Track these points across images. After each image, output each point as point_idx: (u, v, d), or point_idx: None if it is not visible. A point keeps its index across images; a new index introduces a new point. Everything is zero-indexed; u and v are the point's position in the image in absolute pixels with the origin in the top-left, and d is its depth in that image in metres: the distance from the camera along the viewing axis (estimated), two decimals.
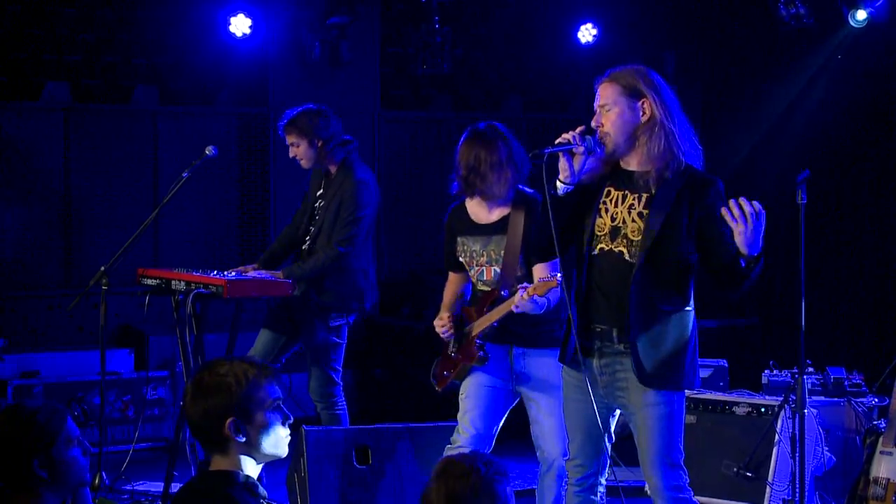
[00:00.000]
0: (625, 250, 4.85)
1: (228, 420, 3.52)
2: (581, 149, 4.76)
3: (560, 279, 5.34)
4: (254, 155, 9.95)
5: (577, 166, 4.81)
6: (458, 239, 5.88)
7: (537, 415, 5.81)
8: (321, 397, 7.04)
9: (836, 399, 7.40)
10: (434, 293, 10.03)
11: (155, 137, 9.68)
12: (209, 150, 6.89)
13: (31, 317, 9.43)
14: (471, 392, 5.84)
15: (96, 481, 6.67)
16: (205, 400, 3.53)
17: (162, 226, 9.66)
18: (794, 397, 6.58)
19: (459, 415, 5.88)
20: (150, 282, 6.79)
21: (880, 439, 6.43)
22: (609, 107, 4.81)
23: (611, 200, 4.90)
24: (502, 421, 5.92)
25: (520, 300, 5.43)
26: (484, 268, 5.82)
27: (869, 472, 6.40)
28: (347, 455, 6.56)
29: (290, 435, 3.69)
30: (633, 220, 4.86)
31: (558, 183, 4.85)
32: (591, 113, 4.83)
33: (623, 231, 4.87)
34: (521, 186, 5.76)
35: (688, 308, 4.92)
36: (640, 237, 4.82)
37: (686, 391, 4.99)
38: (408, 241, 10.48)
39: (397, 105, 10.36)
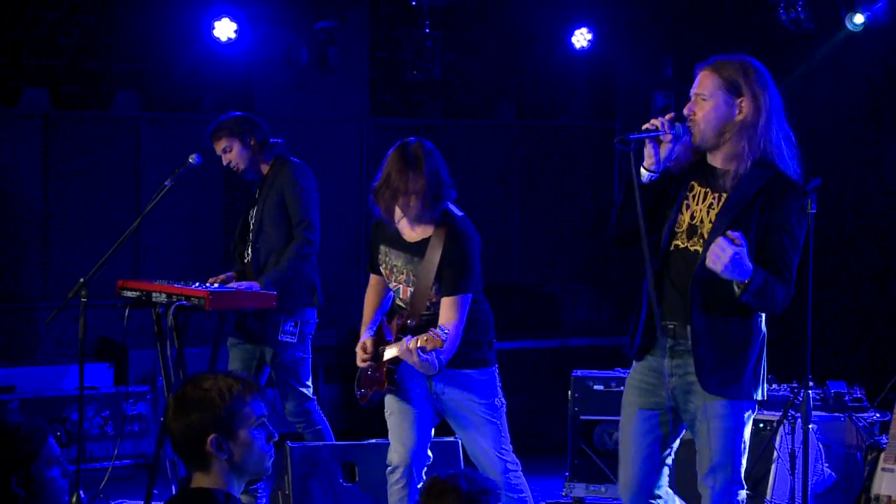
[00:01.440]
0: (700, 249, 4.87)
1: (211, 436, 3.52)
2: (669, 136, 4.79)
3: (445, 337, 5.35)
4: None
5: (663, 154, 4.82)
6: (382, 248, 5.86)
7: (466, 435, 5.87)
8: (298, 417, 7.05)
9: (836, 414, 7.43)
10: None
11: (137, 145, 9.69)
12: (192, 159, 6.92)
13: (7, 330, 9.42)
14: (394, 409, 5.86)
15: (74, 500, 6.65)
16: (187, 415, 3.54)
17: (144, 236, 9.67)
18: (793, 412, 6.63)
19: (389, 434, 5.90)
20: (130, 294, 6.80)
21: (882, 455, 6.46)
22: (705, 97, 4.85)
23: (693, 197, 4.93)
24: (431, 434, 5.93)
25: (405, 352, 5.42)
26: (402, 286, 5.81)
27: (870, 490, 6.44)
28: (333, 472, 6.59)
29: (275, 452, 3.71)
30: (711, 221, 4.89)
31: (643, 170, 4.86)
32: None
33: (700, 230, 4.91)
34: (450, 207, 5.74)
35: (754, 313, 4.93)
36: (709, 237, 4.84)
37: (756, 403, 5.00)
38: None
39: (387, 111, 10.38)
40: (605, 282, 10.84)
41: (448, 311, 5.59)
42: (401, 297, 5.81)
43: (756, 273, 4.67)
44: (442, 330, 5.41)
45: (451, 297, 5.61)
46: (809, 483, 7.02)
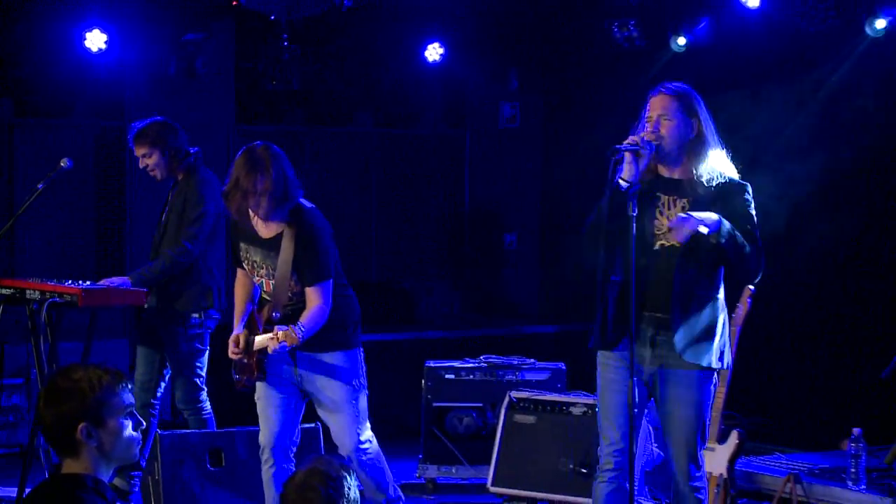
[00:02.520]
0: (677, 244, 5.21)
1: (81, 425, 3.50)
2: (646, 150, 5.15)
3: (300, 335, 5.51)
4: (110, 167, 9.84)
5: (641, 166, 5.15)
6: (242, 245, 5.92)
7: (326, 416, 5.95)
8: (187, 404, 7.00)
9: None
10: None
11: (10, 149, 9.52)
12: (64, 163, 6.84)
13: None
14: (261, 395, 5.94)
15: None
16: (57, 405, 3.52)
17: (18, 237, 9.51)
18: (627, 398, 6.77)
19: (259, 419, 5.98)
20: (4, 291, 6.70)
21: None
22: (668, 117, 5.25)
23: (663, 204, 5.29)
24: (300, 418, 6.02)
25: (267, 345, 5.56)
26: (264, 279, 5.87)
27: None
28: (201, 458, 6.58)
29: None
30: None
31: (621, 182, 5.15)
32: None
33: None
34: (301, 202, 5.81)
35: (719, 295, 5.33)
36: None
37: (715, 371, 5.33)
38: None
39: (252, 119, 10.35)
40: (457, 278, 10.94)
41: (312, 299, 5.71)
42: (265, 290, 5.87)
43: (721, 219, 5.10)
44: (299, 327, 5.53)
45: (312, 287, 5.73)
46: (640, 462, 7.21)
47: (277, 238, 5.77)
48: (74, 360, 6.50)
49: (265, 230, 5.81)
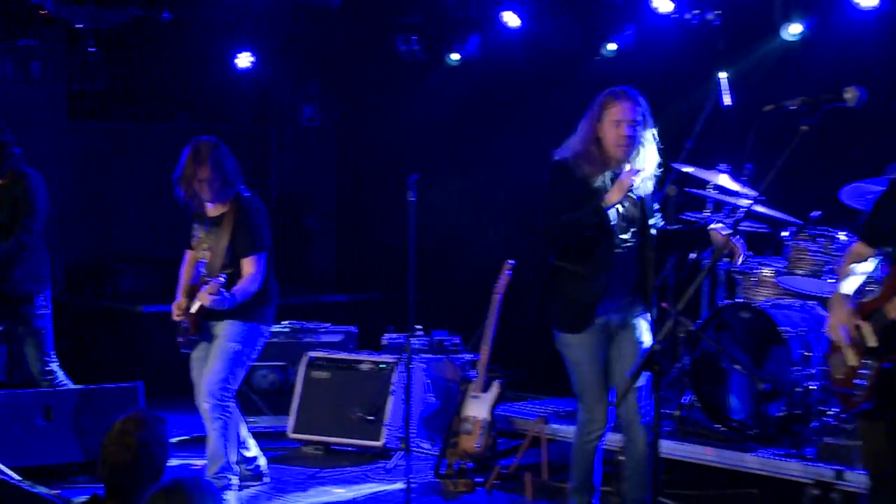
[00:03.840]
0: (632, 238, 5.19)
1: None
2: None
3: (223, 281, 5.76)
4: None
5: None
6: (194, 225, 6.16)
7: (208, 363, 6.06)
8: (43, 376, 6.77)
9: (439, 356, 7.73)
10: (116, 276, 9.89)
11: None
12: None
13: None
14: (194, 356, 6.16)
15: None
16: None
17: None
18: (406, 355, 6.87)
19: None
20: None
21: (470, 386, 6.78)
22: (638, 121, 5.09)
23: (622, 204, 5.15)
24: None
25: (202, 298, 5.82)
26: (206, 252, 6.06)
27: (462, 412, 6.73)
28: (32, 414, 6.44)
29: None
30: (641, 216, 5.19)
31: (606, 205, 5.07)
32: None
33: (637, 225, 5.19)
34: (241, 189, 6.06)
35: None
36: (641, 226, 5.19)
37: None
38: (91, 231, 10.18)
39: (83, 116, 10.06)
40: None
41: (246, 268, 5.96)
42: (205, 262, 6.06)
43: None
44: (219, 277, 5.81)
45: (247, 258, 5.97)
46: (418, 410, 7.34)
47: (220, 217, 6.04)
48: None
49: (212, 210, 6.06)
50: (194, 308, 5.95)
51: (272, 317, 6.21)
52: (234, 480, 6.13)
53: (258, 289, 5.97)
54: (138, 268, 9.86)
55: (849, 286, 4.39)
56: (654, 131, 5.21)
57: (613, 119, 5.09)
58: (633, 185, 5.06)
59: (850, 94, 4.01)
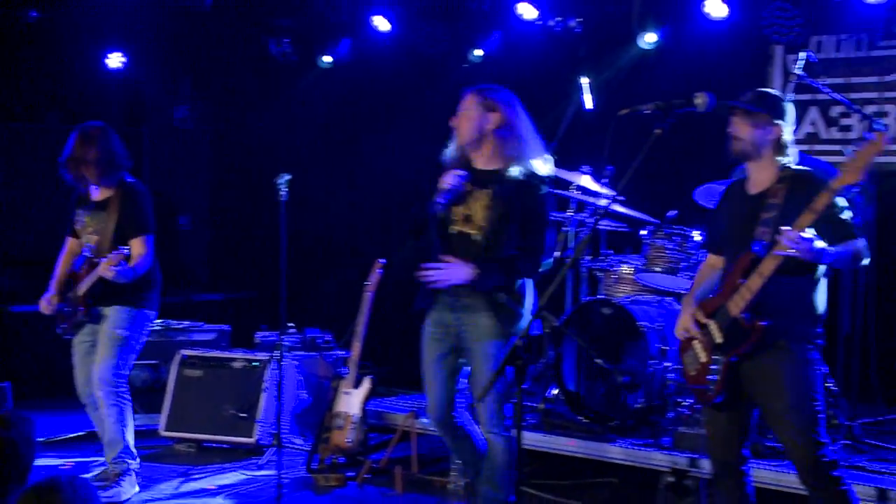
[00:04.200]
0: (473, 232, 5.05)
1: None
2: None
3: (127, 253, 5.79)
4: None
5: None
6: (77, 210, 6.15)
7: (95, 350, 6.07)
8: None
9: (311, 353, 7.73)
10: None
11: None
12: None
13: None
14: (76, 341, 6.16)
15: None
16: None
17: None
18: (279, 353, 6.83)
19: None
20: None
21: (342, 383, 6.78)
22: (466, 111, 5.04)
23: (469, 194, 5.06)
24: None
25: (102, 272, 5.80)
26: (91, 236, 6.06)
27: (334, 408, 6.73)
28: None
29: None
30: (484, 210, 5.03)
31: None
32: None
33: (472, 219, 5.06)
34: (126, 176, 6.09)
35: None
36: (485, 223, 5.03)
37: None
38: None
39: None
40: None
41: (137, 249, 5.94)
42: (91, 246, 6.03)
43: None
44: (121, 249, 5.78)
45: (136, 238, 5.97)
46: (290, 406, 7.31)
47: (106, 201, 6.04)
48: None
49: (98, 195, 6.06)
50: (82, 290, 5.96)
51: (158, 302, 6.22)
52: (134, 465, 6.13)
53: (147, 270, 6.01)
54: (5, 268, 9.58)
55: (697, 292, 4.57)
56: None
57: None
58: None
59: (700, 100, 4.14)
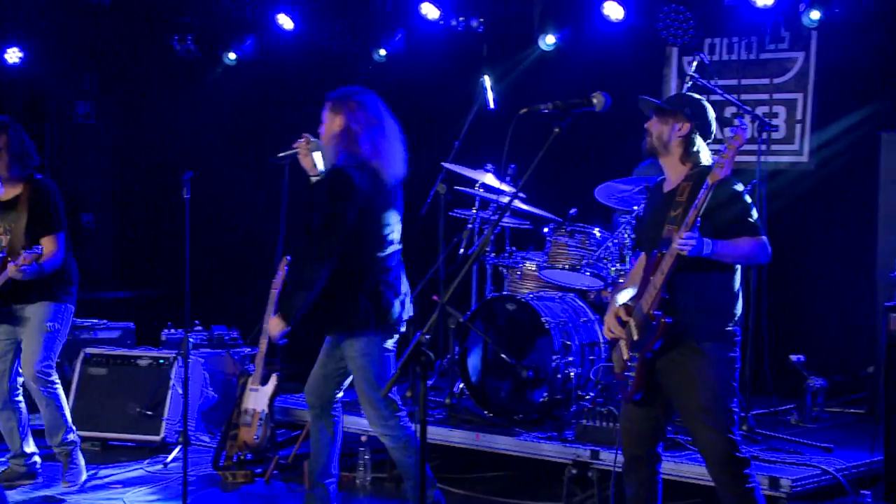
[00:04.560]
0: None
1: None
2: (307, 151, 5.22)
3: (40, 251, 5.74)
4: None
5: (309, 164, 5.24)
6: None
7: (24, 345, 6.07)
8: None
9: (218, 350, 7.65)
10: None
11: None
12: None
13: None
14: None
15: None
16: None
17: None
18: (185, 350, 6.72)
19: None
20: None
21: (249, 379, 6.70)
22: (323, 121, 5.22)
23: None
24: None
25: (13, 273, 5.76)
26: (2, 237, 5.95)
27: (241, 405, 6.65)
28: None
29: None
30: None
31: (312, 178, 5.23)
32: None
33: None
34: (35, 174, 6.00)
35: None
36: None
37: None
38: None
39: None
40: None
41: (49, 246, 5.85)
42: (3, 245, 5.93)
43: None
44: (35, 248, 5.72)
45: (48, 236, 5.88)
46: (197, 403, 7.21)
47: (15, 199, 5.93)
48: None
49: (5, 194, 5.95)
50: (9, 275, 5.86)
51: (76, 296, 6.18)
52: (75, 437, 6.20)
53: (60, 266, 5.96)
54: None
55: (626, 294, 4.59)
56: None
57: None
58: None
59: (597, 100, 4.15)
